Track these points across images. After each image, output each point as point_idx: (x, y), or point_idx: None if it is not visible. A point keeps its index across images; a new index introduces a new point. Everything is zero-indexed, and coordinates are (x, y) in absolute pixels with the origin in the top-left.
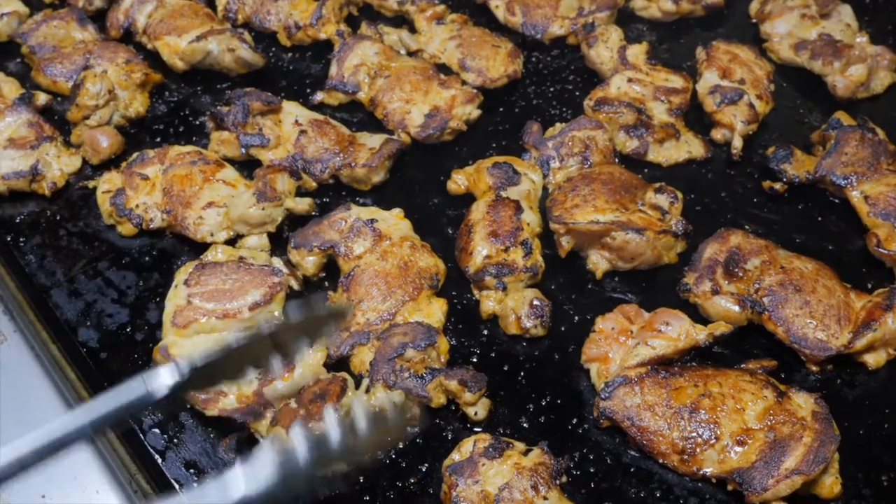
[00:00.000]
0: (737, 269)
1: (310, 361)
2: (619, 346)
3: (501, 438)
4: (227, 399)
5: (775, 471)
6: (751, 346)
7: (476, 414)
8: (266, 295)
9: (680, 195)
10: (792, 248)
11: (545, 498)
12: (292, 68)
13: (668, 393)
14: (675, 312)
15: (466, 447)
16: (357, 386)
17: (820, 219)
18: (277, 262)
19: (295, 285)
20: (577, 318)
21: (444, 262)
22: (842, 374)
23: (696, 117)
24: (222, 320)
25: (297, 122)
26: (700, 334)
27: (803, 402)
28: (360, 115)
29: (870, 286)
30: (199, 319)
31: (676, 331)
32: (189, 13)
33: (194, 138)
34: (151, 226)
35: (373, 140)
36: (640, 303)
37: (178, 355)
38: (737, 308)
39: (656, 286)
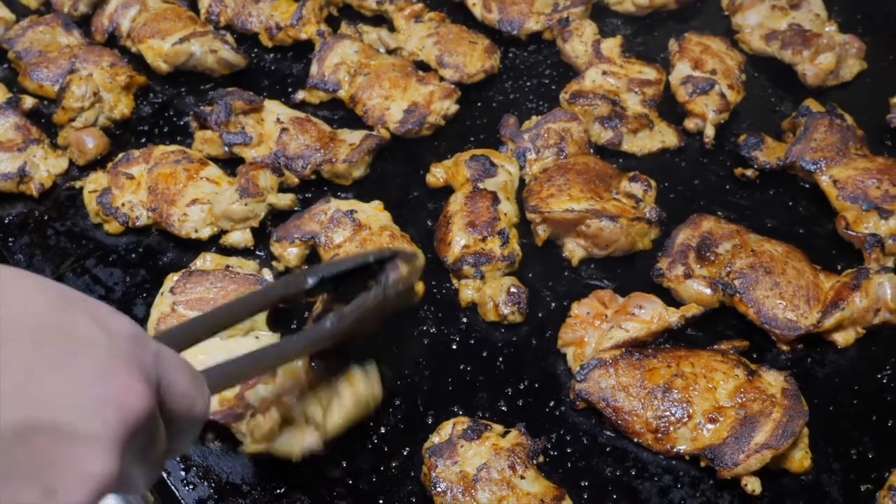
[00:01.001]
0: (708, 254)
1: (293, 368)
2: (594, 330)
3: (480, 421)
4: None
5: (746, 446)
6: (724, 327)
7: None
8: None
9: (654, 183)
10: (763, 233)
11: (522, 477)
12: (274, 68)
13: (642, 374)
14: (649, 296)
15: (445, 430)
16: None
17: (791, 203)
18: (267, 274)
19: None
20: (553, 304)
21: (424, 254)
22: (812, 353)
23: (669, 108)
24: None
25: (278, 120)
26: (672, 317)
27: (773, 380)
28: (341, 113)
29: (839, 267)
30: None
31: (649, 314)
32: (172, 16)
33: (178, 138)
34: (137, 223)
35: (353, 136)
36: (616, 288)
37: None
38: (708, 291)
39: (631, 272)
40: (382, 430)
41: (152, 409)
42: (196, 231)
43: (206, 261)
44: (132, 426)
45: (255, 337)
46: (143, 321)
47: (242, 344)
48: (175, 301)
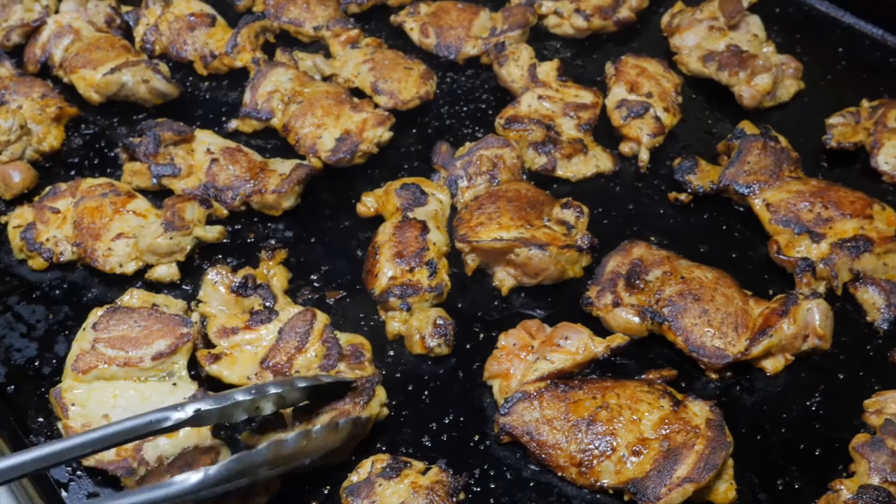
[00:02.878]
0: (638, 281)
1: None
2: (520, 361)
3: (400, 458)
4: (107, 450)
5: (668, 479)
6: (655, 355)
7: None
8: (171, 345)
9: (586, 209)
10: (696, 258)
11: None
12: (209, 97)
13: (567, 406)
14: (575, 326)
15: (364, 468)
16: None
17: (725, 227)
18: (194, 315)
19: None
20: (482, 335)
21: (354, 286)
22: (741, 381)
23: (606, 131)
24: (123, 368)
25: (209, 150)
26: (598, 347)
27: (699, 411)
28: (275, 141)
29: (771, 292)
30: (99, 366)
31: (575, 344)
32: (105, 46)
33: (108, 170)
34: (62, 259)
35: (283, 166)
36: (548, 317)
37: (73, 401)
38: (637, 319)
39: (563, 300)
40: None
41: None
42: (121, 266)
43: (134, 297)
44: None
45: (173, 384)
46: (63, 359)
47: (158, 388)
48: (97, 337)
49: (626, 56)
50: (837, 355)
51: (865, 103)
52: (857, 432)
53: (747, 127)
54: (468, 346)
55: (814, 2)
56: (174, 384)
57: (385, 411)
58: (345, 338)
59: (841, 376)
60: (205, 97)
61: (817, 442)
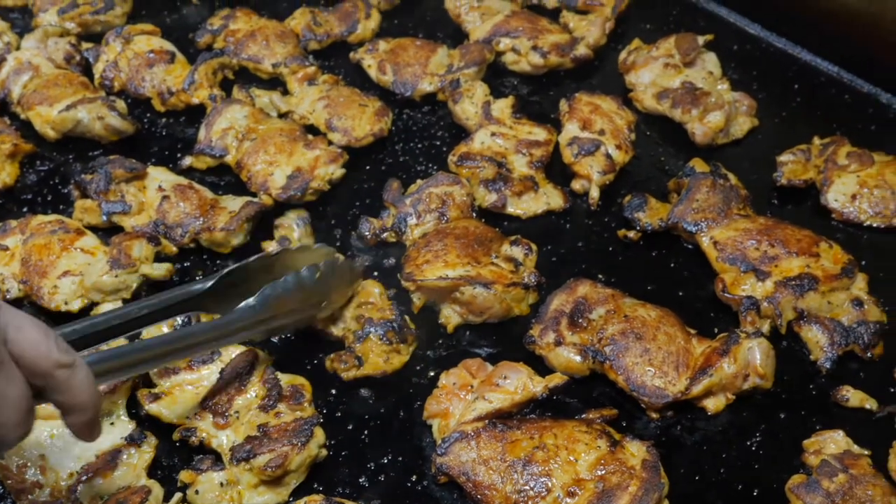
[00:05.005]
0: (581, 320)
1: (134, 462)
2: (459, 401)
3: (334, 499)
4: (42, 491)
5: None
6: (599, 394)
7: None
8: (110, 385)
9: (534, 247)
10: (643, 296)
11: None
12: (166, 133)
13: (504, 446)
14: (515, 366)
15: None
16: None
17: (673, 265)
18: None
19: None
20: (427, 372)
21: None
22: (682, 420)
23: (560, 169)
24: None
25: (160, 187)
26: (537, 387)
27: (636, 451)
28: (229, 178)
29: (716, 331)
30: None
31: (514, 384)
32: (63, 82)
33: (61, 207)
34: (8, 296)
35: (234, 203)
36: (493, 355)
37: None
38: (578, 358)
39: (509, 338)
40: None
41: None
42: (66, 303)
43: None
44: None
45: (111, 423)
46: None
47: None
48: None
49: (581, 93)
50: (780, 394)
51: (817, 140)
52: (796, 473)
53: (698, 165)
54: (412, 382)
55: (771, 39)
56: (112, 423)
57: (323, 452)
58: (286, 378)
59: (783, 416)
60: (161, 133)
61: (756, 483)
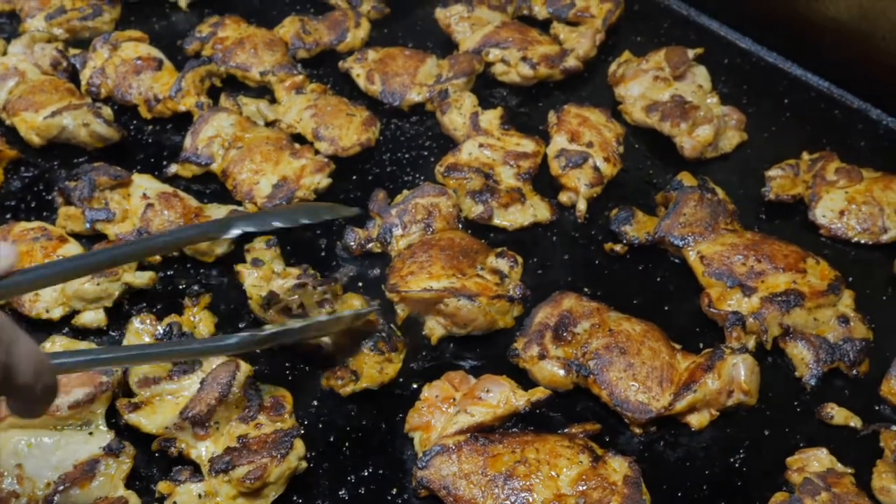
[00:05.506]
0: (566, 333)
1: (112, 473)
2: (441, 414)
3: None
4: (18, 501)
5: None
6: (582, 409)
7: None
8: (90, 395)
9: (520, 259)
10: (629, 310)
11: None
12: (152, 140)
13: (486, 460)
14: (498, 379)
15: None
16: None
17: (659, 279)
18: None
19: None
20: (412, 384)
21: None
22: (666, 436)
23: (548, 181)
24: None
25: (144, 195)
26: (520, 401)
27: (618, 466)
28: (214, 186)
29: (702, 346)
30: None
31: (496, 397)
32: (49, 88)
33: (45, 213)
34: None
35: (219, 212)
36: (478, 367)
37: None
38: (562, 372)
39: (493, 350)
40: None
41: None
42: (47, 311)
43: (56, 344)
44: None
45: (90, 433)
46: None
47: (73, 437)
48: None
49: (569, 105)
50: (764, 411)
51: (805, 156)
52: (779, 490)
53: (685, 178)
54: (395, 394)
55: (762, 53)
56: (90, 433)
57: (303, 464)
58: (267, 389)
59: (767, 432)
60: (148, 141)
61: (738, 500)
